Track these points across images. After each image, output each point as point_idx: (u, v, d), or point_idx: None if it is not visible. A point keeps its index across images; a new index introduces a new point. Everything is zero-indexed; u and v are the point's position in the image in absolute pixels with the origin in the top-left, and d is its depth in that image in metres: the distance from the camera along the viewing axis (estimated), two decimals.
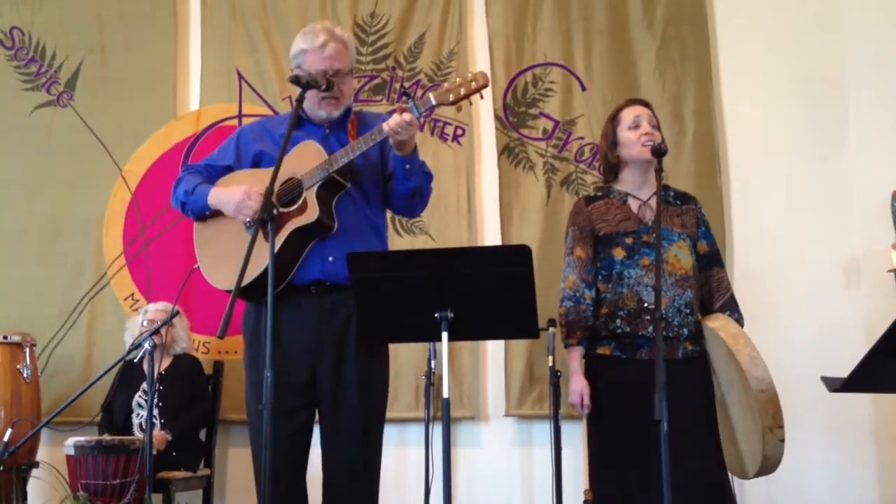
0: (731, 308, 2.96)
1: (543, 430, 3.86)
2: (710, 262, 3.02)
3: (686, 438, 2.68)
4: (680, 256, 2.91)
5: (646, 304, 2.83)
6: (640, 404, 2.56)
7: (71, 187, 4.62)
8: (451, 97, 2.60)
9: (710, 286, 3.00)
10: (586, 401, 2.88)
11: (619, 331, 2.88)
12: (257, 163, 2.83)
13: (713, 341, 2.86)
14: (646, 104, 3.07)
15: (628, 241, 2.92)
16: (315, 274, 2.68)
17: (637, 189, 3.00)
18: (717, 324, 2.84)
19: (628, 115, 3.01)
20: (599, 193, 3.07)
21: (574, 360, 2.94)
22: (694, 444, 2.75)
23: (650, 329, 2.81)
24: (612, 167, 3.05)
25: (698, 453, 2.78)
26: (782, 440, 2.69)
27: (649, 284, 2.84)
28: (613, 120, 3.05)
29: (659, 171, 2.78)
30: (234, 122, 4.54)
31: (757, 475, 2.83)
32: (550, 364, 3.68)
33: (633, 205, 2.98)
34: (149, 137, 4.62)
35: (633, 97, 3.22)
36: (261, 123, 3.01)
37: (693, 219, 3.02)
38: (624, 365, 2.87)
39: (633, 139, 2.95)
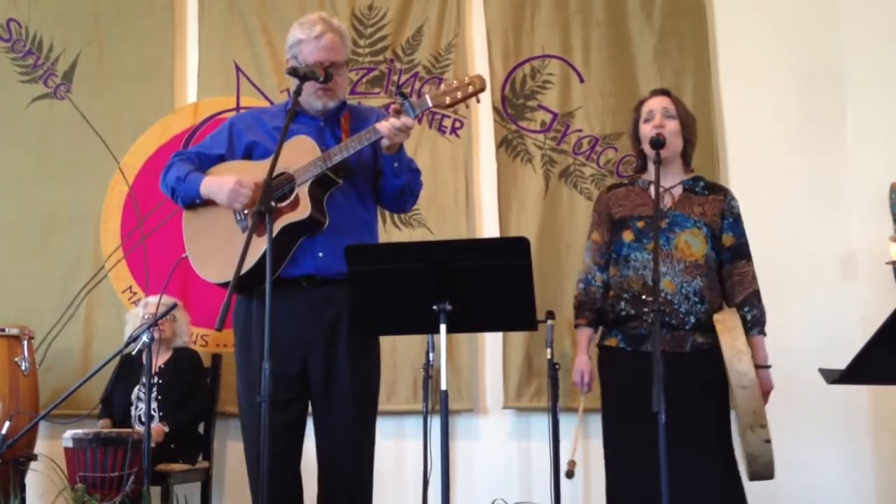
0: (751, 304, 2.88)
1: (542, 422, 3.86)
2: (736, 255, 2.94)
3: (692, 436, 2.67)
4: (691, 243, 2.89)
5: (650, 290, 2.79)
6: (642, 398, 2.54)
7: (68, 180, 4.61)
8: (448, 100, 2.60)
9: (733, 280, 2.92)
10: (586, 378, 2.95)
11: (622, 313, 2.89)
12: (249, 153, 2.81)
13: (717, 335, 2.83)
14: (665, 93, 3.04)
15: (639, 224, 2.92)
16: (306, 269, 2.67)
17: (661, 179, 2.94)
18: (720, 317, 2.79)
19: (645, 108, 3.01)
20: (625, 182, 3.10)
21: (581, 340, 2.99)
22: (700, 442, 2.74)
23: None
24: (643, 158, 3.03)
25: (703, 453, 2.75)
26: (767, 441, 2.60)
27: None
28: (636, 112, 3.04)
29: (657, 162, 2.78)
30: (232, 114, 4.50)
31: (752, 478, 2.73)
32: (549, 356, 3.68)
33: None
34: (146, 130, 4.61)
35: (658, 88, 3.17)
36: (253, 113, 2.99)
37: (717, 209, 2.96)
38: (629, 358, 2.86)
39: (646, 134, 2.94)
